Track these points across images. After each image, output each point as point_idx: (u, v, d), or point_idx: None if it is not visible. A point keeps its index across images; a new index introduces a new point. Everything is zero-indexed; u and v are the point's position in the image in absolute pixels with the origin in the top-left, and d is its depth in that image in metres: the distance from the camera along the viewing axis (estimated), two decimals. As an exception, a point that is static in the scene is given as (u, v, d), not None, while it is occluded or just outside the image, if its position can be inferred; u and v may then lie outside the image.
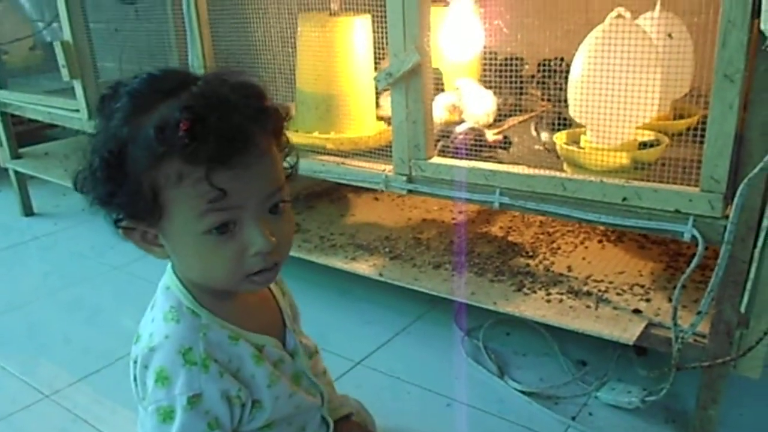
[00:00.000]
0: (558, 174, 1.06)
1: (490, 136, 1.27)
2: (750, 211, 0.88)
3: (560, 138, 1.17)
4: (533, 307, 1.15)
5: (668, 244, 1.36)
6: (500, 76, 1.26)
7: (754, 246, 0.89)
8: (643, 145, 1.12)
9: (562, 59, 1.29)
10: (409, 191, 1.23)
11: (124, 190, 0.62)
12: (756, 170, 0.84)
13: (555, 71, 1.30)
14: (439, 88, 1.38)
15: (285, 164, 0.72)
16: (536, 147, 1.29)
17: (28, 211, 2.21)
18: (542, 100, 1.42)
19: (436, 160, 1.19)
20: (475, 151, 1.21)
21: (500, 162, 1.19)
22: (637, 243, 1.39)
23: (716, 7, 0.84)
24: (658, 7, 1.17)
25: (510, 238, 1.45)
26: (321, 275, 1.50)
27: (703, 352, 0.98)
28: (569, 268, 1.29)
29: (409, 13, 1.10)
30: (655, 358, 1.18)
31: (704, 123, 0.89)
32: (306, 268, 1.43)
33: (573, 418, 1.11)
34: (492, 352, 1.30)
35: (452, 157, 1.20)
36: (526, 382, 1.20)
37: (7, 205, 2.26)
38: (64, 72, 1.72)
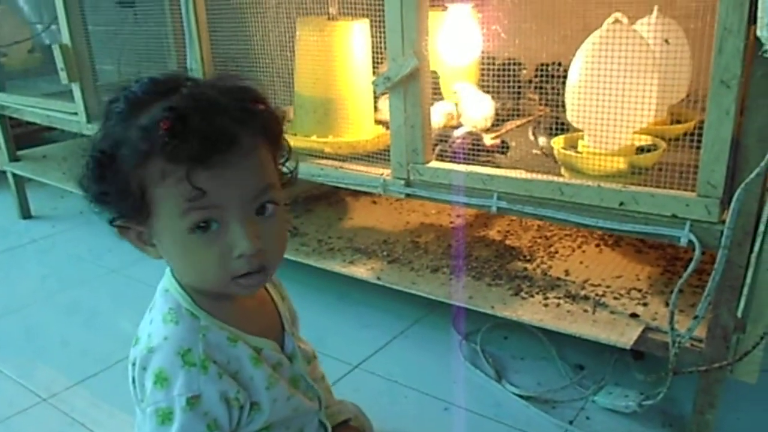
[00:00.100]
0: (555, 178, 1.07)
1: (488, 140, 1.28)
2: (746, 216, 0.88)
3: (558, 142, 1.18)
4: (531, 311, 1.15)
5: (665, 249, 1.36)
6: (498, 81, 1.27)
7: (751, 251, 0.89)
8: (641, 150, 1.12)
9: (559, 63, 1.29)
10: (407, 195, 1.23)
11: (115, 188, 0.64)
12: (752, 175, 0.85)
13: (553, 76, 1.30)
14: (437, 91, 1.39)
15: (284, 169, 0.73)
16: (534, 151, 1.29)
17: (25, 213, 2.21)
18: (540, 104, 1.42)
19: (434, 164, 1.20)
20: (473, 155, 1.21)
21: (498, 166, 1.19)
22: (634, 247, 1.39)
23: (713, 13, 0.84)
24: (655, 12, 1.17)
25: (508, 242, 1.46)
26: (319, 279, 1.50)
27: (700, 356, 0.99)
28: (567, 272, 1.29)
29: (408, 17, 1.11)
30: (652, 363, 1.18)
31: (701, 128, 0.89)
32: (304, 271, 1.43)
33: (570, 422, 1.11)
34: (489, 356, 1.30)
35: (450, 162, 1.21)
36: (523, 386, 1.20)
37: (4, 207, 2.26)
38: (63, 75, 1.73)
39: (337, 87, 1.38)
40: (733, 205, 0.88)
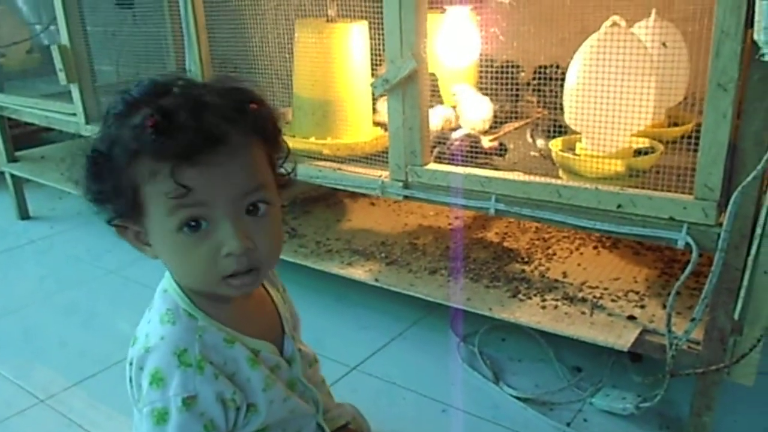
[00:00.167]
0: (553, 181, 1.07)
1: (486, 142, 1.28)
2: (743, 219, 0.89)
3: (556, 145, 1.18)
4: (528, 313, 1.15)
5: (663, 251, 1.36)
6: (497, 83, 1.27)
7: (748, 253, 0.89)
8: (638, 153, 1.12)
9: (557, 66, 1.30)
10: (406, 197, 1.24)
11: (110, 188, 0.65)
12: (749, 178, 0.85)
13: (551, 78, 1.30)
14: (435, 93, 1.39)
15: (282, 170, 0.73)
16: (532, 153, 1.29)
17: (24, 214, 2.21)
18: (538, 106, 1.42)
19: (433, 166, 1.20)
20: (471, 157, 1.21)
21: (496, 168, 1.19)
22: (632, 249, 1.39)
23: (710, 16, 0.85)
24: (653, 15, 1.17)
25: (506, 244, 1.46)
26: (317, 280, 1.50)
27: (697, 358, 0.99)
28: (564, 274, 1.29)
29: (406, 19, 1.11)
30: (649, 365, 1.18)
31: (698, 131, 0.90)
32: (302, 273, 1.43)
33: (568, 424, 1.11)
34: (487, 358, 1.30)
35: (448, 164, 1.21)
36: (521, 388, 1.21)
37: (3, 208, 2.26)
38: (62, 76, 1.73)
39: (335, 89, 1.38)
40: (730, 208, 0.88)
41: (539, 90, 1.37)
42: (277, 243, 0.70)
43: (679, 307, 1.10)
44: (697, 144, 0.90)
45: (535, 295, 1.21)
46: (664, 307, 1.10)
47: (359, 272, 1.35)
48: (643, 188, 1.00)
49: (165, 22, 1.69)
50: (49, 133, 2.43)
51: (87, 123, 1.77)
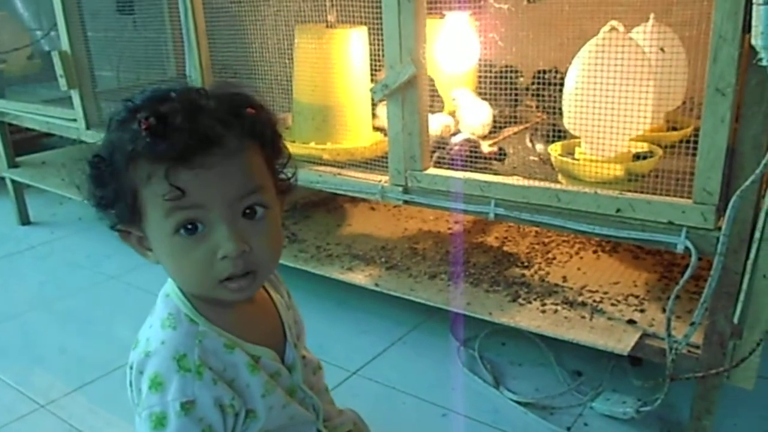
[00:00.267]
0: (552, 185, 1.07)
1: (486, 147, 1.28)
2: (742, 223, 0.89)
3: (555, 149, 1.18)
4: (528, 317, 1.15)
5: (663, 255, 1.36)
6: (496, 88, 1.27)
7: (747, 257, 0.89)
8: (637, 157, 1.12)
9: (556, 71, 1.30)
10: (405, 202, 1.24)
11: (111, 192, 0.65)
12: (748, 182, 0.85)
13: (550, 83, 1.31)
14: (436, 97, 1.39)
15: (283, 176, 0.73)
16: (531, 158, 1.29)
17: (24, 220, 2.21)
18: (537, 111, 1.43)
19: (432, 171, 1.20)
20: (471, 162, 1.22)
21: (495, 173, 1.19)
22: (631, 253, 1.39)
23: (708, 21, 0.85)
24: (651, 20, 1.18)
25: (505, 249, 1.46)
26: (317, 285, 1.51)
27: (697, 362, 0.99)
28: (564, 279, 1.29)
29: (405, 25, 1.11)
30: (649, 369, 1.18)
31: (697, 135, 0.90)
32: (302, 278, 1.44)
33: (568, 429, 1.11)
34: (487, 362, 1.30)
35: (448, 168, 1.21)
36: (521, 392, 1.20)
37: (3, 213, 2.26)
38: (62, 81, 1.73)
39: (335, 94, 1.38)
40: (729, 212, 0.88)
41: (538, 95, 1.37)
42: (275, 246, 0.70)
43: (679, 311, 1.10)
44: (695, 148, 0.90)
45: (535, 300, 1.21)
46: (664, 311, 1.10)
47: (359, 277, 1.36)
48: (642, 192, 1.00)
49: (165, 28, 1.69)
50: (49, 138, 2.44)
51: (87, 128, 1.77)
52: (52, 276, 1.83)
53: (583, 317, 1.14)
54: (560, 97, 1.14)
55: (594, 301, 1.19)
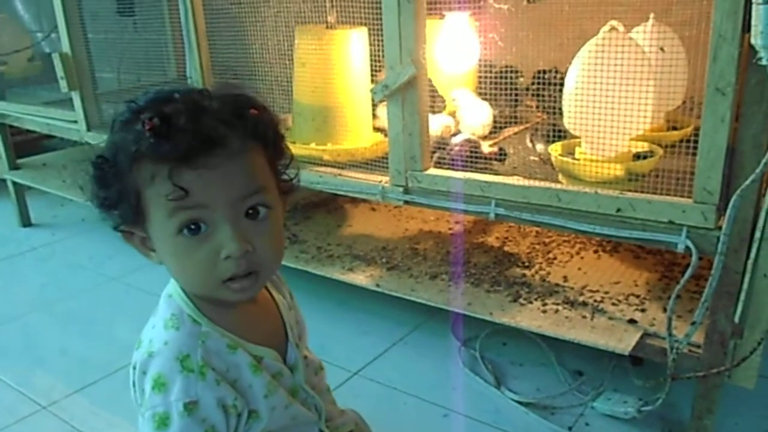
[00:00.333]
0: (553, 185, 1.07)
1: (486, 147, 1.28)
2: (742, 222, 0.89)
3: (555, 149, 1.18)
4: (529, 317, 1.15)
5: (663, 254, 1.36)
6: (496, 88, 1.27)
7: (747, 257, 0.89)
8: (638, 157, 1.12)
9: (556, 71, 1.30)
10: (406, 202, 1.24)
11: (114, 193, 0.66)
12: (748, 182, 0.85)
13: (550, 83, 1.31)
14: (437, 97, 1.39)
15: (285, 176, 0.73)
16: (531, 158, 1.29)
17: (25, 221, 2.21)
18: (537, 111, 1.43)
19: (433, 171, 1.20)
20: (471, 162, 1.22)
21: (496, 173, 1.19)
22: (632, 253, 1.39)
23: (708, 21, 0.85)
24: (651, 20, 1.18)
25: (506, 249, 1.46)
26: (318, 286, 1.51)
27: (698, 362, 0.99)
28: (565, 279, 1.29)
29: (405, 26, 1.11)
30: (650, 368, 1.18)
31: (697, 134, 0.90)
32: (303, 278, 1.44)
33: (569, 429, 1.11)
34: (489, 363, 1.30)
35: (448, 169, 1.21)
36: (522, 392, 1.21)
37: (4, 215, 2.26)
38: (63, 83, 1.73)
39: (335, 95, 1.38)
40: (729, 212, 0.88)
41: (538, 95, 1.37)
42: (277, 247, 0.70)
43: (680, 310, 1.10)
44: (695, 148, 0.90)
45: (535, 300, 1.21)
46: (665, 310, 1.10)
47: (360, 277, 1.36)
48: (642, 192, 1.00)
49: (166, 30, 1.70)
50: (50, 140, 2.44)
51: (88, 130, 1.78)
52: (53, 277, 1.83)
53: (584, 317, 1.14)
54: (560, 97, 1.14)
55: (595, 300, 1.19)
